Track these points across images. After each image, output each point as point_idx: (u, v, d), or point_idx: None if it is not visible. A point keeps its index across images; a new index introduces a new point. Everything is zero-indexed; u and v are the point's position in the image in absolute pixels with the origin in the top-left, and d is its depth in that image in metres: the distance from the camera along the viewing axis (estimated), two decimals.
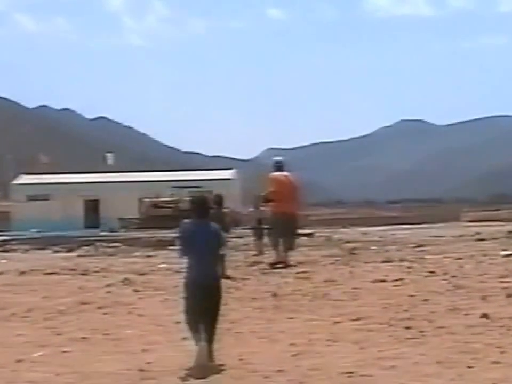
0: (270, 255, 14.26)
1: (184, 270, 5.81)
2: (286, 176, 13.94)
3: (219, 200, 12.96)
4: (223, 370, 5.39)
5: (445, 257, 13.90)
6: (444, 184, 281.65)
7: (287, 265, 12.86)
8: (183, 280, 5.77)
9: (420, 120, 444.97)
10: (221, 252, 5.95)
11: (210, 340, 5.51)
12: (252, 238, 16.56)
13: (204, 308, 5.55)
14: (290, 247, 13.55)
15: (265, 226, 15.23)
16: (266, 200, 14.23)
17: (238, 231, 22.02)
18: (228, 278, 11.78)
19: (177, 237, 5.95)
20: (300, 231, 15.81)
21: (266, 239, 15.26)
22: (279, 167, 14.04)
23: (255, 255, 15.34)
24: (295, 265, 12.86)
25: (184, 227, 5.84)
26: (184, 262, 5.77)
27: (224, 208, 12.97)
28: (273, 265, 12.93)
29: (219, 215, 12.75)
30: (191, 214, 5.85)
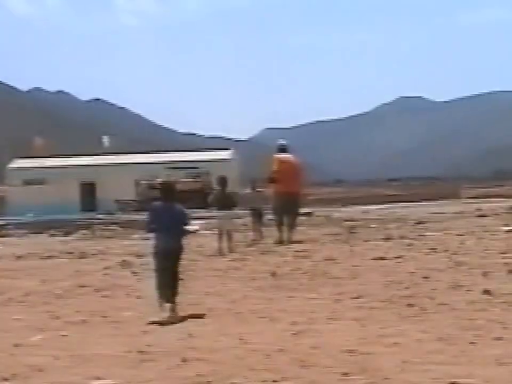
0: (268, 236, 14.31)
1: (152, 243, 6.81)
2: (289, 157, 14.59)
3: (223, 182, 13.01)
4: (185, 318, 6.46)
5: (446, 233, 13.87)
6: (445, 161, 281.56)
7: (280, 242, 13.55)
8: (152, 251, 6.79)
9: (419, 97, 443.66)
10: (185, 228, 6.82)
11: (173, 295, 6.59)
12: (250, 219, 16.47)
13: (166, 267, 6.61)
14: (292, 225, 14.08)
15: (263, 207, 15.26)
16: (270, 180, 14.60)
17: (237, 211, 21.95)
18: (233, 251, 12.20)
19: (147, 215, 6.96)
20: (300, 210, 16.11)
21: (264, 220, 15.30)
22: (283, 149, 14.68)
23: (253, 237, 15.30)
24: (291, 244, 13.00)
25: (152, 207, 6.87)
26: (151, 236, 6.89)
27: (227, 189, 13.08)
28: (275, 243, 13.36)
29: (223, 196, 12.79)
30: (159, 196, 6.81)
